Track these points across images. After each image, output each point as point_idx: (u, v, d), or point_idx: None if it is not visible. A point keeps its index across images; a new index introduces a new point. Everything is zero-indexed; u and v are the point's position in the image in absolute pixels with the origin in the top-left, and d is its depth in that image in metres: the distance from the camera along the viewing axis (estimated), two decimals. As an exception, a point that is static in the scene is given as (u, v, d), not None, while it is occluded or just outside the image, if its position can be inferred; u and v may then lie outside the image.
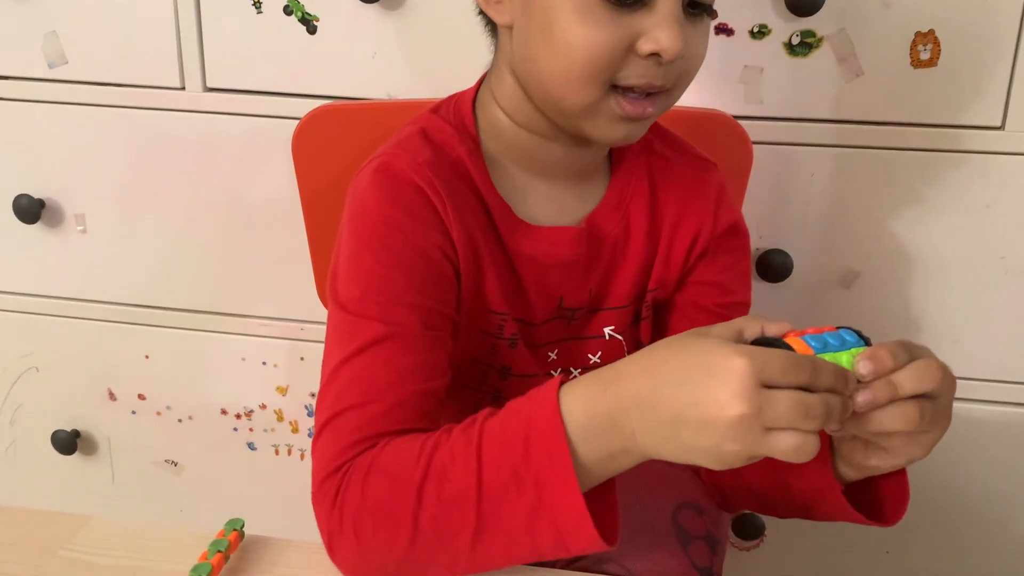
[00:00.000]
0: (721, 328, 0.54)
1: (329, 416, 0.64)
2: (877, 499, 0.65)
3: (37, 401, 1.28)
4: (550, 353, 0.76)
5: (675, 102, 0.69)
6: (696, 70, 0.68)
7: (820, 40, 0.97)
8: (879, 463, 0.60)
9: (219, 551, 0.63)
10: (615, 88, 0.65)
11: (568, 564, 0.66)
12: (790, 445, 0.50)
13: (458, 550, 0.56)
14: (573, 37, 0.63)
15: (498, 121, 0.73)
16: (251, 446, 1.25)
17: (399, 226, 0.68)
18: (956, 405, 1.06)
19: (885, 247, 1.03)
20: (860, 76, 0.98)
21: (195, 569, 0.61)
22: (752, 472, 0.71)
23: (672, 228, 0.76)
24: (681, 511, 0.67)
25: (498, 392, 0.75)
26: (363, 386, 0.63)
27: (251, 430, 1.24)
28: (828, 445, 0.64)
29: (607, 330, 0.77)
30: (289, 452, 1.24)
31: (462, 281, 0.70)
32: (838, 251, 1.04)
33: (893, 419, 0.55)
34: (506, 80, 0.71)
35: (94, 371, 1.25)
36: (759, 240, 1.05)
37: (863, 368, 0.54)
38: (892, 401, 0.54)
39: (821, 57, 0.98)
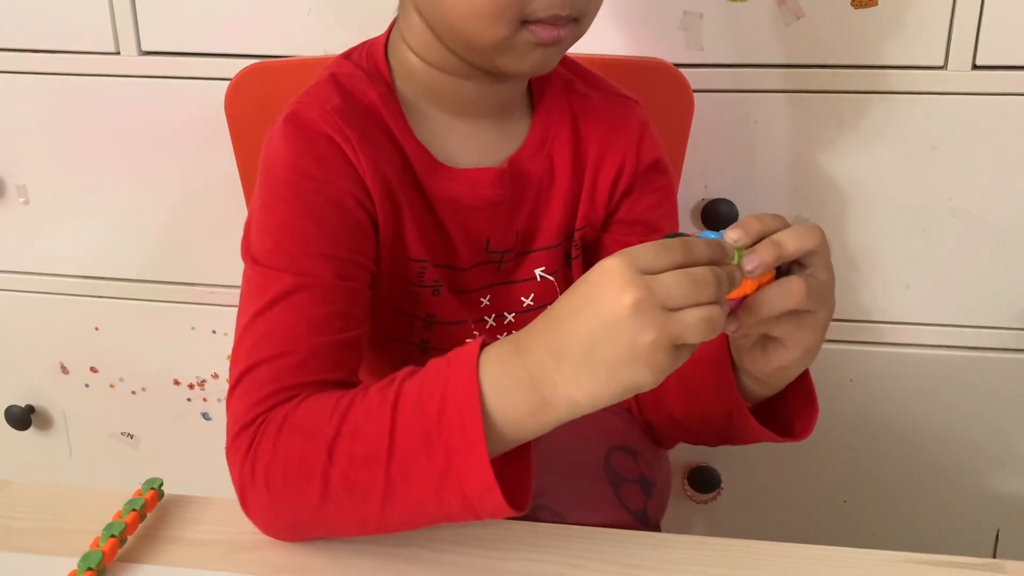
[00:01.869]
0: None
1: (243, 370, 0.63)
2: (787, 418, 0.66)
3: (-11, 377, 1.27)
4: (482, 299, 0.75)
5: (585, 30, 0.68)
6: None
7: (759, -18, 0.96)
8: (780, 362, 0.60)
9: (134, 509, 0.62)
10: (525, 23, 0.63)
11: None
12: (697, 318, 0.50)
13: (368, 510, 0.56)
14: None
15: (410, 63, 0.72)
16: (205, 416, 1.24)
17: (310, 175, 0.67)
18: (909, 351, 1.07)
19: (832, 192, 1.02)
20: (801, 18, 0.96)
21: (108, 527, 0.60)
22: (671, 401, 0.72)
23: (596, 165, 0.75)
24: (613, 454, 0.66)
25: (425, 342, 0.74)
26: (276, 338, 0.62)
27: (205, 400, 1.23)
28: (731, 366, 0.64)
29: (538, 271, 0.76)
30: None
31: (379, 230, 0.69)
32: (784, 198, 1.03)
33: (782, 297, 0.55)
34: (414, 21, 0.70)
35: (44, 345, 1.24)
36: (704, 190, 1.04)
37: (732, 235, 0.54)
38: (778, 265, 0.55)
39: (761, 1, 0.96)
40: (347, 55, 0.76)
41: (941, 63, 0.96)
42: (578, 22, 0.66)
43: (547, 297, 0.76)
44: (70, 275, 1.20)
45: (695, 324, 0.49)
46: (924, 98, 0.97)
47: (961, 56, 0.95)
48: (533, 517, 0.64)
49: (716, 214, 1.02)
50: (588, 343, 0.50)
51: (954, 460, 1.10)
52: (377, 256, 0.70)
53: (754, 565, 0.60)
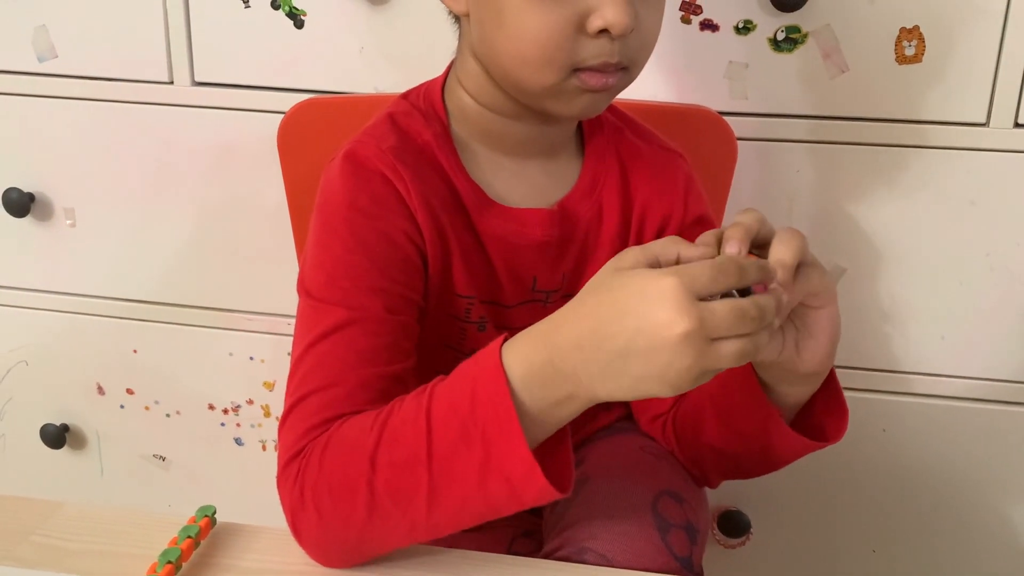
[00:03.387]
0: (635, 253, 0.56)
1: (294, 401, 0.64)
2: (819, 425, 0.68)
3: (27, 395, 1.29)
4: None
5: (635, 78, 0.70)
6: (652, 45, 0.69)
7: (805, 36, 0.97)
8: (814, 354, 0.62)
9: (189, 536, 0.63)
10: (575, 70, 0.66)
11: (548, 554, 0.67)
12: (734, 350, 0.51)
13: (415, 514, 0.57)
14: (523, 22, 0.65)
15: (465, 104, 0.74)
16: (238, 441, 1.25)
17: (363, 212, 0.69)
18: (944, 402, 1.08)
19: (871, 243, 1.03)
20: (845, 72, 0.98)
21: (164, 554, 0.61)
22: (709, 431, 0.73)
23: (642, 213, 0.77)
24: (660, 499, 0.67)
25: None
26: (325, 370, 0.64)
27: (238, 425, 1.24)
28: (757, 381, 0.66)
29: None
30: (276, 447, 1.24)
31: (428, 266, 0.71)
32: (824, 248, 1.04)
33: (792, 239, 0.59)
34: (469, 64, 0.72)
35: (83, 365, 1.26)
36: (744, 236, 1.05)
37: (730, 248, 0.56)
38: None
39: (806, 53, 0.98)
40: (406, 95, 0.78)
41: (983, 120, 0.97)
42: (627, 70, 0.68)
43: None
44: (112, 298, 1.21)
45: (730, 356, 0.51)
46: (965, 154, 0.99)
47: (1003, 114, 0.96)
48: (580, 560, 0.65)
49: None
50: (624, 352, 0.52)
51: (984, 513, 1.10)
52: (425, 291, 0.71)
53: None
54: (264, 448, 1.25)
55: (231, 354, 1.21)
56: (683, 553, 0.66)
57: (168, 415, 1.26)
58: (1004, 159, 0.98)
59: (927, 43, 0.96)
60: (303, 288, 0.69)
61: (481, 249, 0.74)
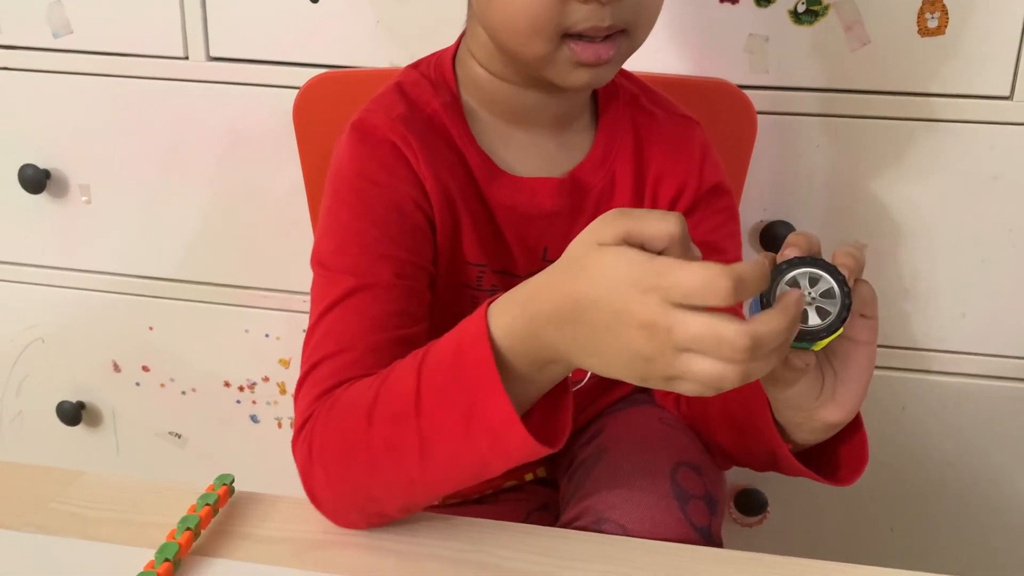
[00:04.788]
0: (616, 224, 0.49)
1: (307, 369, 0.65)
2: (835, 461, 0.64)
3: (43, 372, 1.29)
4: None
5: (639, 44, 0.68)
6: (654, 5, 0.67)
7: (826, 8, 0.96)
8: (849, 401, 0.58)
9: (208, 504, 0.63)
10: (568, 36, 0.64)
11: (566, 524, 0.66)
12: (705, 370, 0.46)
13: (410, 468, 0.56)
14: None
15: (475, 73, 0.74)
16: (254, 419, 1.25)
17: (373, 180, 0.69)
18: (964, 380, 1.06)
19: (892, 218, 1.02)
20: (867, 45, 0.97)
21: (183, 520, 0.61)
22: (717, 433, 0.73)
23: (656, 182, 0.76)
24: (679, 470, 0.66)
25: None
26: (336, 336, 0.64)
27: (254, 403, 1.24)
28: (770, 417, 0.63)
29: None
30: (292, 425, 1.24)
31: (437, 233, 0.71)
32: (844, 222, 1.03)
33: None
34: (478, 33, 0.72)
35: (99, 342, 1.26)
36: (763, 212, 1.04)
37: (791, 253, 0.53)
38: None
39: (827, 25, 0.97)
40: (415, 65, 0.78)
41: (1007, 93, 0.96)
42: (628, 34, 0.66)
43: None
44: (127, 275, 1.21)
45: (700, 375, 0.47)
46: (988, 128, 0.97)
47: (1028, 87, 0.95)
48: (598, 529, 0.64)
49: (775, 235, 1.02)
50: (597, 334, 0.49)
51: (1005, 492, 1.09)
52: (435, 258, 0.71)
53: (821, 585, 0.60)
54: (280, 425, 1.25)
55: (247, 331, 1.20)
56: (702, 523, 0.65)
57: (184, 392, 1.26)
58: (1028, 133, 0.97)
59: (950, 15, 0.94)
60: (315, 258, 0.70)
61: (491, 219, 0.74)
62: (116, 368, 1.27)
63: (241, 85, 1.10)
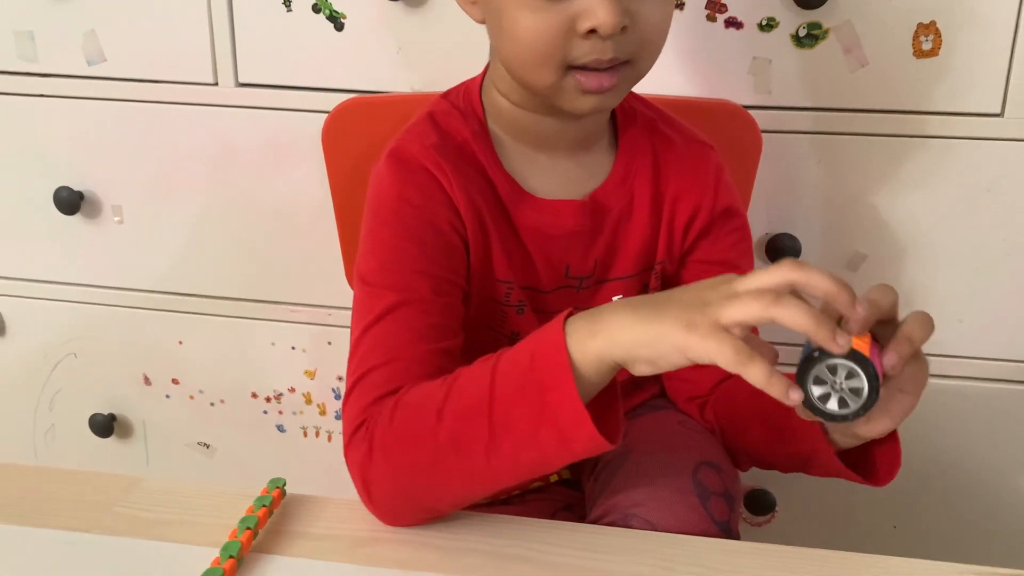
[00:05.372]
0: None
1: (356, 378, 0.69)
2: (871, 462, 0.69)
3: (75, 386, 1.34)
4: None
5: (644, 73, 0.73)
6: (658, 38, 0.72)
7: (826, 32, 1.02)
8: (903, 411, 0.62)
9: (264, 505, 0.68)
10: (573, 67, 0.69)
11: (594, 521, 0.71)
12: (747, 300, 0.55)
13: (475, 461, 0.62)
14: (517, 28, 0.69)
15: (499, 103, 0.79)
16: (280, 428, 1.30)
17: (410, 203, 0.74)
18: (961, 384, 1.11)
19: (890, 230, 1.07)
20: (865, 66, 1.02)
21: (243, 520, 0.66)
22: (755, 434, 0.77)
23: (673, 204, 0.81)
24: (700, 469, 0.71)
25: None
26: (384, 347, 0.69)
27: (280, 413, 1.29)
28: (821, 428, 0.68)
29: (615, 299, 0.81)
30: (317, 434, 1.29)
31: (470, 252, 0.76)
32: (845, 235, 1.08)
33: (925, 323, 0.60)
34: (499, 66, 0.77)
35: (130, 357, 1.30)
36: (768, 225, 1.09)
37: (854, 326, 0.57)
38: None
39: (827, 48, 1.02)
40: (446, 95, 0.83)
41: (998, 111, 1.01)
42: (632, 64, 0.71)
43: None
44: (158, 291, 1.26)
45: (737, 306, 0.55)
46: (981, 143, 1.03)
47: (1017, 104, 1.00)
48: (626, 525, 0.69)
49: (780, 248, 1.08)
50: (658, 300, 0.59)
51: (1002, 491, 1.14)
52: (468, 276, 0.77)
53: (832, 573, 0.64)
54: (305, 435, 1.29)
55: (273, 344, 1.25)
56: (722, 518, 0.70)
57: (212, 404, 1.31)
58: (1018, 148, 1.02)
59: (943, 38, 1.00)
60: (358, 275, 0.74)
61: (517, 238, 0.79)
62: (147, 381, 1.31)
63: (268, 110, 1.15)
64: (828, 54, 1.02)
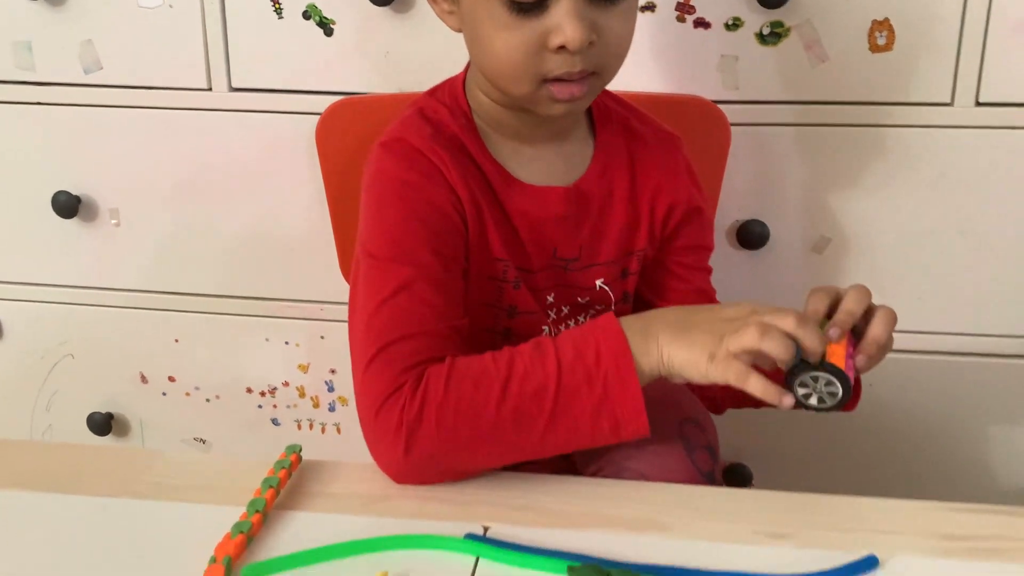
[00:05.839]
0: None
1: (378, 348, 0.73)
2: None
3: (73, 386, 1.37)
4: (548, 296, 0.87)
5: (608, 81, 0.80)
6: (622, 51, 0.78)
7: (788, 30, 1.09)
8: None
9: (284, 467, 0.73)
10: (546, 80, 0.76)
11: (592, 474, 0.77)
12: (749, 329, 0.68)
13: (530, 436, 0.70)
14: (493, 44, 0.76)
15: (481, 100, 0.85)
16: (275, 421, 1.34)
17: (413, 186, 0.80)
18: (920, 358, 1.18)
19: (853, 215, 1.15)
20: (825, 62, 1.10)
21: (265, 481, 0.71)
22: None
23: (652, 196, 0.88)
24: (685, 425, 0.78)
25: (508, 331, 0.86)
26: (405, 321, 0.74)
27: (275, 406, 1.34)
28: None
29: (598, 282, 0.88)
30: (311, 426, 1.34)
31: (469, 231, 0.81)
32: (810, 220, 1.16)
33: (888, 323, 0.73)
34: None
35: (127, 356, 1.34)
36: (738, 212, 1.16)
37: (832, 333, 0.71)
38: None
39: (789, 45, 1.10)
40: (432, 92, 0.89)
41: (948, 100, 1.09)
42: (598, 75, 0.78)
43: (601, 299, 0.89)
44: (154, 291, 1.31)
45: (743, 335, 0.68)
46: (933, 131, 1.10)
47: (966, 94, 1.08)
48: (619, 476, 0.75)
49: (749, 233, 1.15)
50: (689, 323, 0.71)
51: (962, 457, 1.22)
52: (467, 254, 0.82)
53: (810, 511, 0.71)
54: (299, 427, 1.34)
55: (267, 340, 1.30)
56: (707, 469, 0.76)
57: (208, 400, 1.35)
58: (968, 134, 1.10)
59: (896, 33, 1.07)
60: (366, 252, 0.79)
61: (508, 221, 0.84)
62: (143, 380, 1.35)
63: (261, 113, 1.20)
64: (790, 51, 1.10)
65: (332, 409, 1.33)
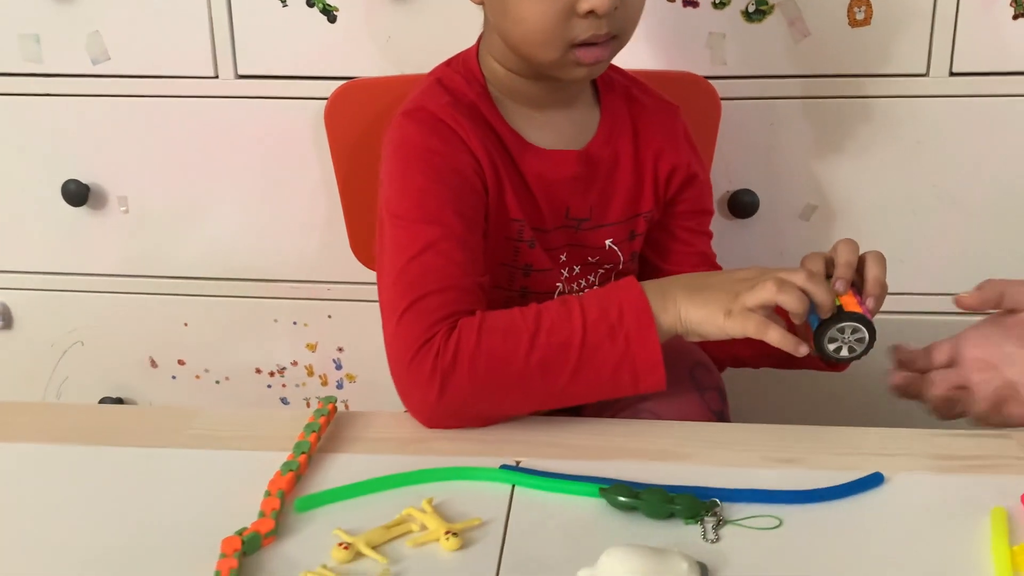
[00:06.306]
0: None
1: (410, 302, 0.78)
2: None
3: (83, 373, 1.40)
4: (561, 255, 0.93)
5: (625, 44, 0.86)
6: (638, 15, 0.84)
7: (772, 7, 1.15)
8: None
9: (323, 415, 0.77)
10: (571, 45, 0.81)
11: (614, 414, 0.82)
12: (766, 284, 0.74)
13: (554, 385, 0.75)
14: (523, 12, 0.81)
15: (495, 69, 0.90)
16: (284, 400, 1.38)
17: (437, 151, 0.84)
18: (902, 318, 1.24)
19: (837, 182, 1.21)
20: (807, 36, 1.16)
21: (307, 427, 0.75)
22: (740, 347, 0.89)
23: (655, 160, 0.94)
24: (696, 369, 0.83)
25: (524, 289, 0.91)
26: (435, 276, 0.79)
27: (284, 386, 1.37)
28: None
29: (607, 242, 0.93)
30: (320, 405, 1.37)
31: (488, 194, 0.86)
32: (797, 188, 1.22)
33: (881, 263, 0.83)
34: (495, 39, 0.88)
35: (136, 341, 1.38)
36: (729, 183, 1.22)
37: (838, 286, 0.78)
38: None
39: (774, 22, 1.16)
40: (448, 64, 0.94)
41: (923, 71, 1.16)
42: (617, 38, 0.84)
43: (609, 258, 0.95)
44: (163, 276, 1.34)
45: (759, 290, 0.74)
46: (910, 101, 1.17)
47: (940, 65, 1.15)
48: (635, 416, 0.80)
49: (740, 202, 1.20)
50: (706, 286, 0.77)
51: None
52: (486, 215, 0.87)
53: (817, 439, 0.76)
54: (308, 405, 1.38)
55: (276, 320, 1.34)
56: (717, 408, 0.82)
57: (218, 381, 1.38)
58: (943, 103, 1.17)
59: (874, 9, 1.14)
60: (391, 213, 0.83)
61: (524, 183, 0.89)
62: (153, 364, 1.39)
63: (267, 99, 1.24)
64: (774, 27, 1.16)
65: (340, 386, 1.37)
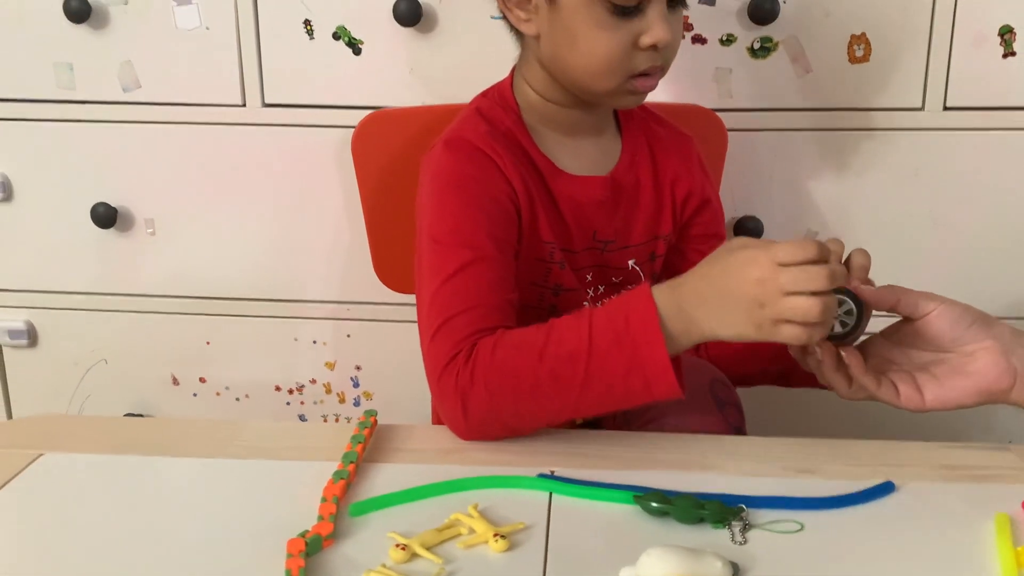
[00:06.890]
0: (742, 239, 0.77)
1: (441, 322, 0.83)
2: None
3: (106, 391, 1.44)
4: (587, 275, 0.98)
5: (666, 73, 0.92)
6: (677, 50, 0.91)
7: (776, 45, 1.21)
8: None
9: (366, 427, 0.82)
10: (630, 77, 0.88)
11: (641, 427, 0.87)
12: (799, 304, 0.71)
13: (567, 397, 0.77)
14: (593, 44, 0.87)
15: (530, 97, 0.96)
16: (302, 418, 1.42)
17: (473, 178, 0.90)
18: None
19: (837, 210, 1.27)
20: (809, 72, 1.22)
21: (353, 438, 0.80)
22: (747, 367, 0.94)
23: (672, 185, 1.00)
24: (715, 384, 0.88)
25: (553, 307, 0.96)
26: (465, 296, 0.84)
27: (302, 403, 1.42)
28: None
29: (630, 262, 0.99)
30: (337, 420, 1.42)
31: (521, 218, 0.92)
32: (799, 215, 1.28)
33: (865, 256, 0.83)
34: (535, 68, 0.94)
35: (159, 359, 1.41)
36: (735, 209, 1.28)
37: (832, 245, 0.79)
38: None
39: (778, 58, 1.22)
40: (484, 94, 1.00)
41: (919, 105, 1.22)
42: (663, 69, 0.91)
43: (631, 279, 1.00)
44: (186, 296, 1.38)
45: (795, 308, 0.71)
46: (907, 133, 1.23)
47: (935, 99, 1.22)
48: (660, 429, 0.85)
49: (745, 228, 1.26)
50: (723, 298, 0.74)
51: (941, 428, 1.33)
52: (519, 238, 0.92)
53: (831, 451, 0.82)
54: (325, 421, 1.42)
55: (296, 339, 1.38)
56: (736, 423, 0.87)
57: (238, 399, 1.42)
58: (938, 135, 1.23)
59: (872, 46, 1.20)
60: (429, 237, 0.89)
61: (555, 206, 0.95)
62: (175, 382, 1.43)
63: (293, 127, 1.30)
64: (778, 63, 1.22)
65: (357, 404, 1.41)
